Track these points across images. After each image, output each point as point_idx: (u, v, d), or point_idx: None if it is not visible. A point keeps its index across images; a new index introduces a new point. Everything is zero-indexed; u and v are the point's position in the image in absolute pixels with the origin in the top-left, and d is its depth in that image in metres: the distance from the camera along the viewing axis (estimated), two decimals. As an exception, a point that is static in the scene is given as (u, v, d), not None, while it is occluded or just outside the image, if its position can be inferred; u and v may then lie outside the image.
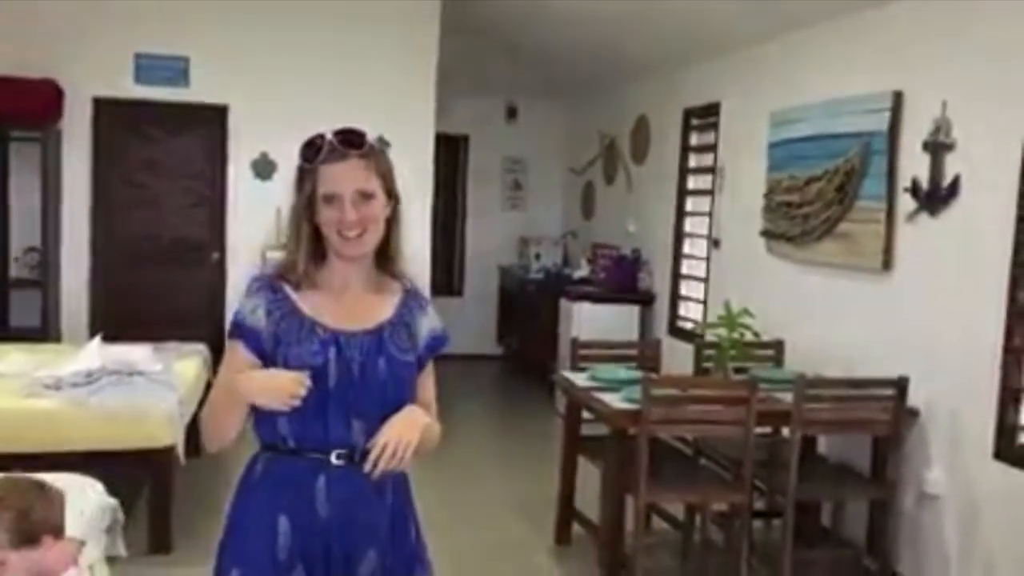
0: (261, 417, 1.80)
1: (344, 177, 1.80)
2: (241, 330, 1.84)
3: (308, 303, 1.85)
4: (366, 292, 1.91)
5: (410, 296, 1.97)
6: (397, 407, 1.82)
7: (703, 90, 6.11)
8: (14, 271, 6.31)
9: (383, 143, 1.93)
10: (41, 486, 2.22)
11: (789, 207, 4.85)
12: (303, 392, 1.70)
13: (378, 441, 1.75)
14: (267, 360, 1.81)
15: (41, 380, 4.15)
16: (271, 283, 1.86)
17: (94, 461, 3.69)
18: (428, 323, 1.98)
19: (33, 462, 3.54)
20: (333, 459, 1.80)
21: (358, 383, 1.81)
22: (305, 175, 1.84)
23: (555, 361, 6.80)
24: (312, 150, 1.83)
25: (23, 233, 6.27)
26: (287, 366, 1.77)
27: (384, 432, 1.76)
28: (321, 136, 1.83)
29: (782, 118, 4.98)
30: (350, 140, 1.82)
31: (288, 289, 1.85)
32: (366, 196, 1.81)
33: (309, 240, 1.85)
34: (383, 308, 1.92)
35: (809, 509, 4.16)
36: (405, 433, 1.76)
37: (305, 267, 1.85)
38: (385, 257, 1.92)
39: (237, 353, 1.83)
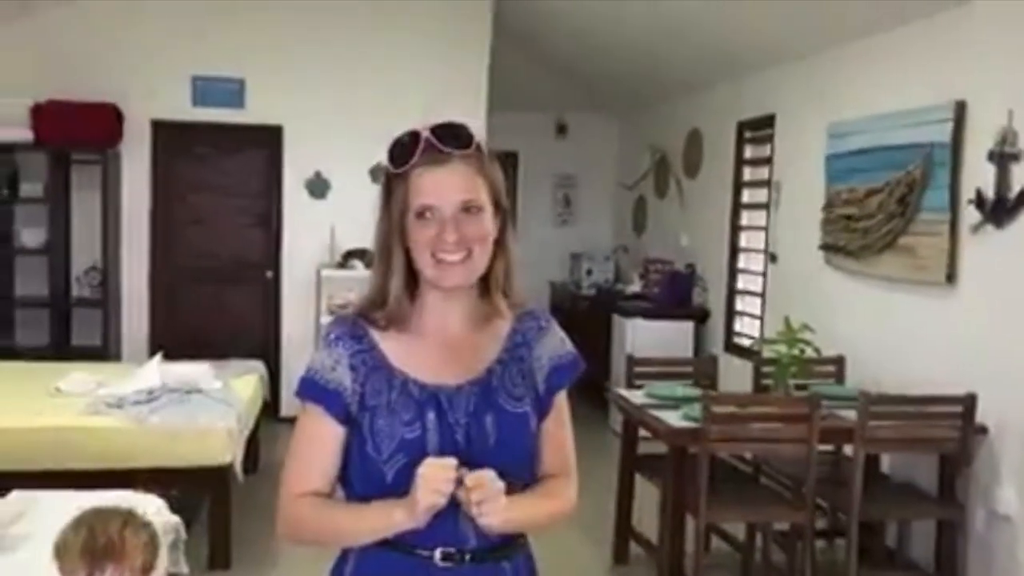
0: (348, 499, 1.50)
1: (444, 185, 1.42)
2: (317, 392, 1.47)
3: (397, 351, 1.49)
4: (468, 331, 1.52)
5: (523, 319, 1.57)
6: (515, 478, 1.44)
7: (757, 102, 6.04)
8: (76, 291, 6.44)
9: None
10: (151, 533, 2.07)
11: (848, 220, 4.77)
12: (453, 476, 1.36)
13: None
14: (352, 424, 1.47)
15: (103, 398, 4.21)
16: (352, 328, 1.50)
17: (154, 478, 3.73)
18: (549, 346, 1.57)
19: (95, 479, 3.61)
20: (437, 559, 1.44)
21: (464, 454, 1.41)
22: (394, 184, 1.46)
23: (608, 378, 6.74)
24: (402, 151, 1.44)
25: (84, 253, 6.40)
26: (374, 440, 1.44)
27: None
28: (414, 133, 1.44)
29: (840, 130, 4.91)
30: (451, 137, 1.44)
31: (374, 333, 1.49)
32: (473, 209, 1.43)
33: (403, 263, 1.47)
34: (490, 345, 1.53)
35: (874, 529, 4.06)
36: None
37: (399, 301, 1.47)
38: (493, 287, 1.52)
39: (317, 422, 1.48)
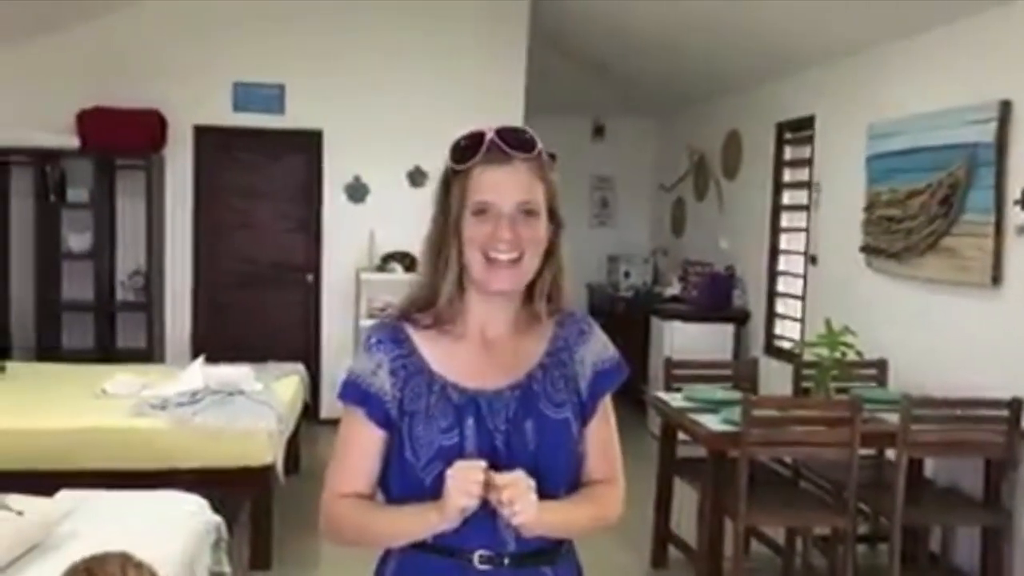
0: (387, 502, 1.51)
1: (504, 184, 1.43)
2: (359, 395, 1.48)
3: (437, 354, 1.49)
4: (510, 335, 1.52)
5: (565, 323, 1.56)
6: (554, 486, 1.45)
7: (797, 103, 5.99)
8: (120, 294, 6.55)
9: None
10: (151, 573, 2.06)
11: (890, 222, 4.71)
12: (481, 478, 1.36)
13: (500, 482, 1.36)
14: (393, 428, 1.47)
15: (148, 400, 4.28)
16: (393, 332, 1.50)
17: (197, 479, 3.78)
18: (592, 351, 1.55)
19: (139, 479, 3.68)
20: (476, 562, 1.43)
21: (503, 461, 1.42)
22: (453, 181, 1.46)
23: (646, 381, 6.72)
24: (465, 149, 1.45)
25: (129, 257, 6.51)
26: (413, 446, 1.44)
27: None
28: (478, 133, 1.46)
29: (881, 130, 4.85)
30: (516, 139, 1.45)
31: (414, 336, 1.49)
32: (529, 213, 1.44)
33: (458, 262, 1.45)
34: (531, 349, 1.52)
35: (917, 535, 4.00)
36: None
37: (450, 299, 1.46)
38: (537, 294, 1.51)
39: (358, 425, 1.49)
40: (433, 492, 1.40)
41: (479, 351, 1.49)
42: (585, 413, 1.52)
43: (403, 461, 1.45)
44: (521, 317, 1.52)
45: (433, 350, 1.48)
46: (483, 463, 1.37)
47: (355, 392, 1.48)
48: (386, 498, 1.51)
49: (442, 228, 1.47)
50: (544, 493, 1.40)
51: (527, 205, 1.44)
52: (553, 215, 1.49)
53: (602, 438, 1.55)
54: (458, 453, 1.41)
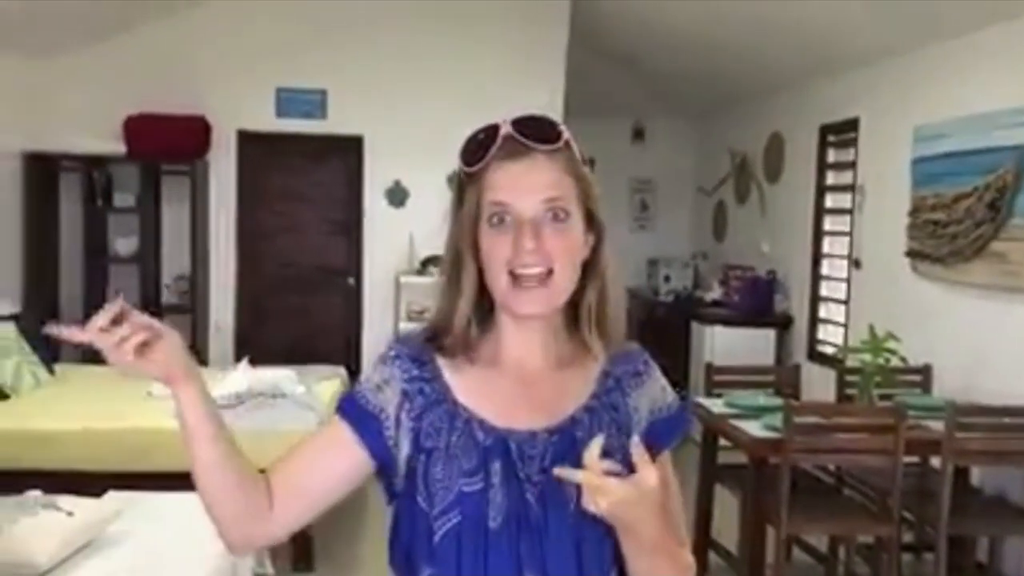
0: (398, 560, 1.24)
1: (523, 181, 1.17)
2: (351, 410, 1.25)
3: (465, 384, 1.23)
4: (551, 368, 1.25)
5: (617, 360, 1.28)
6: (599, 553, 1.18)
7: (840, 105, 5.92)
8: (165, 297, 6.65)
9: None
10: None
11: (936, 226, 4.64)
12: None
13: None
14: (389, 469, 1.23)
15: (192, 402, 4.34)
16: (418, 350, 1.26)
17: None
18: (648, 396, 1.28)
19: (184, 481, 3.72)
20: None
21: (537, 518, 1.17)
22: (467, 187, 1.21)
23: (686, 386, 6.68)
24: (477, 146, 1.20)
25: (173, 261, 6.61)
26: (428, 490, 1.18)
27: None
28: (492, 126, 1.21)
29: (927, 133, 4.78)
30: (535, 129, 1.19)
31: (440, 361, 1.25)
32: (558, 213, 1.18)
33: (474, 282, 1.21)
34: (577, 388, 1.25)
35: (964, 544, 3.94)
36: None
37: (465, 327, 1.22)
38: (584, 318, 1.24)
39: (335, 433, 1.25)
40: (442, 554, 1.16)
41: (513, 385, 1.24)
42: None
43: (414, 510, 1.20)
44: (566, 348, 1.26)
45: (459, 379, 1.24)
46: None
47: (351, 407, 1.25)
48: (391, 559, 1.25)
49: (456, 243, 1.22)
50: (585, 567, 1.17)
51: (554, 203, 1.17)
52: (591, 219, 1.23)
53: (663, 499, 1.23)
54: (481, 503, 1.16)
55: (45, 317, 5.15)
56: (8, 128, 5.89)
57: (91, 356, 5.43)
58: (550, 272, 1.17)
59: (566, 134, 1.20)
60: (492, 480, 1.17)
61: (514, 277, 1.17)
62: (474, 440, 1.19)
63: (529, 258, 1.16)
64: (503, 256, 1.17)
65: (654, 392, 1.30)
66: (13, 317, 4.90)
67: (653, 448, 1.21)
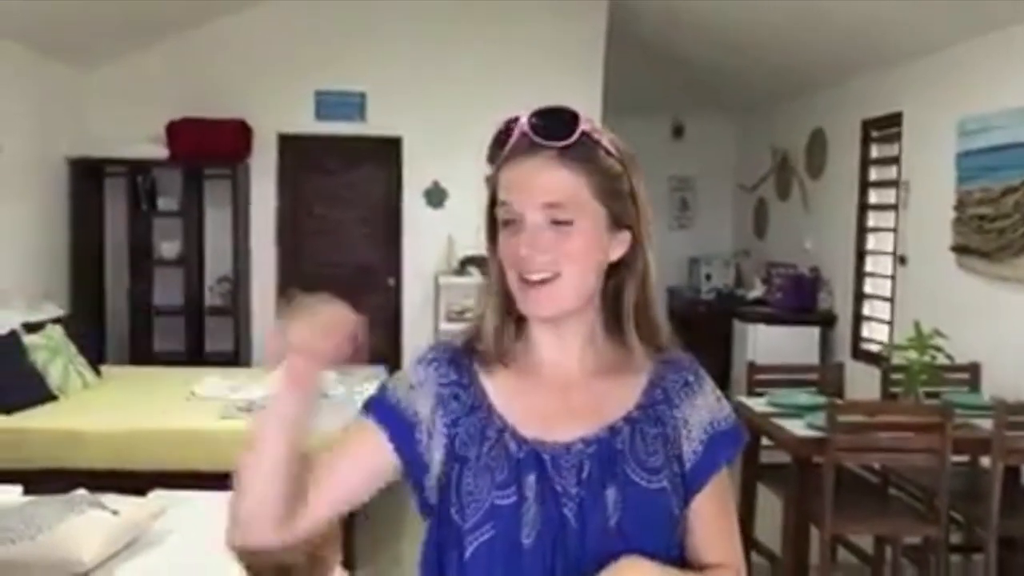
0: None
1: (527, 181, 1.13)
2: (379, 409, 1.21)
3: (501, 391, 1.19)
4: (592, 376, 1.20)
5: (664, 369, 1.22)
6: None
7: (883, 100, 5.83)
8: (208, 299, 6.73)
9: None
10: None
11: (982, 220, 4.55)
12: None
13: None
14: (417, 471, 1.18)
15: (235, 403, 4.39)
16: (454, 354, 1.22)
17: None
18: (700, 409, 1.21)
19: (228, 480, 3.76)
20: None
21: (573, 535, 1.11)
22: (490, 183, 1.19)
23: (728, 385, 6.62)
24: (495, 143, 1.17)
25: (216, 263, 6.69)
26: (460, 501, 1.13)
27: None
28: (512, 120, 1.16)
29: (972, 126, 4.69)
30: (547, 123, 1.13)
31: (477, 368, 1.20)
32: (558, 220, 1.13)
33: (500, 289, 1.18)
34: (619, 397, 1.19)
35: (1014, 545, 3.86)
36: None
37: (493, 332, 1.18)
38: (625, 321, 1.19)
39: (362, 434, 1.21)
40: (472, 571, 1.11)
41: (550, 391, 1.18)
42: (689, 487, 1.18)
43: (447, 523, 1.15)
44: (608, 355, 1.20)
45: (495, 385, 1.19)
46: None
47: (378, 406, 1.21)
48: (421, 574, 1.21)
49: (487, 247, 1.20)
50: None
51: (553, 210, 1.12)
52: (618, 219, 1.16)
53: (719, 520, 1.20)
54: (514, 518, 1.11)
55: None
56: (54, 135, 6.00)
57: (135, 357, 5.50)
58: (556, 273, 1.13)
59: (584, 126, 1.14)
60: (526, 493, 1.12)
61: (523, 280, 1.14)
62: (506, 451, 1.14)
63: (529, 264, 1.13)
64: (513, 257, 1.14)
65: (707, 404, 1.22)
66: (61, 320, 4.98)
67: (708, 466, 1.18)
